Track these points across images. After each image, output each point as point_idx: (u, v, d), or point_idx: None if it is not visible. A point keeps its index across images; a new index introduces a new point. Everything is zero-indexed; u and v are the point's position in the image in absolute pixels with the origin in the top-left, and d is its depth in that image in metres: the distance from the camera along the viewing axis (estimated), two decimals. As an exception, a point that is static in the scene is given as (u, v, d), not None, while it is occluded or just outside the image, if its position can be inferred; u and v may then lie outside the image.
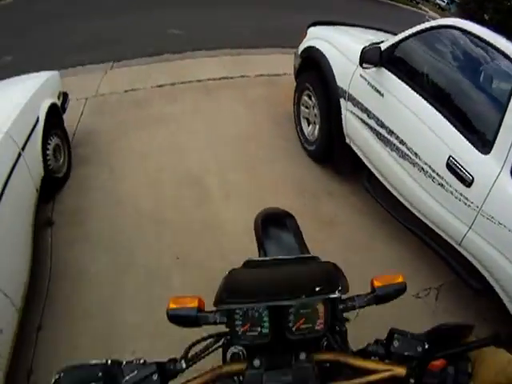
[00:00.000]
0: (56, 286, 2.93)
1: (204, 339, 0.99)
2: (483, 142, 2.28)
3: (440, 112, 2.50)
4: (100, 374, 0.83)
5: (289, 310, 0.89)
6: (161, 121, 4.84)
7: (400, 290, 1.01)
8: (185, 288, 2.84)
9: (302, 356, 0.89)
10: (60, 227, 3.46)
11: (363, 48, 3.05)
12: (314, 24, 4.43)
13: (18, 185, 2.92)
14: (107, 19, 9.38)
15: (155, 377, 0.87)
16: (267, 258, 1.47)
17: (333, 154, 3.88)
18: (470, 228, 2.33)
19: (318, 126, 3.97)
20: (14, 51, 8.15)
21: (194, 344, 0.97)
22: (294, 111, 4.50)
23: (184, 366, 0.91)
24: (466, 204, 2.30)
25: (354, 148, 3.48)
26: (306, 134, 4.26)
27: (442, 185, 2.43)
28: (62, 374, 0.82)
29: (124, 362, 0.89)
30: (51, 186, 3.65)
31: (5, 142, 2.89)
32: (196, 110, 5.10)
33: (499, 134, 2.18)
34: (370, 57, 3.01)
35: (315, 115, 4.01)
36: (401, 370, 0.84)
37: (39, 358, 2.53)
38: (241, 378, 0.91)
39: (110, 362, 0.87)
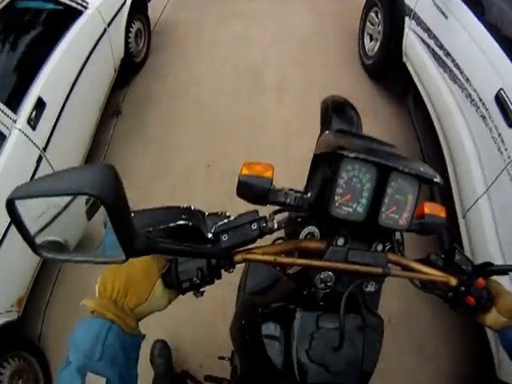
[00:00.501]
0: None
1: (283, 210, 0.88)
2: None
3: (500, 44, 2.22)
4: (184, 215, 0.74)
5: (388, 190, 0.79)
6: (235, 16, 4.75)
7: (442, 224, 0.94)
8: (203, 200, 2.91)
9: (379, 247, 0.87)
10: (125, 117, 3.54)
11: None
12: None
13: (99, 59, 3.01)
14: None
15: (254, 226, 0.79)
16: (357, 132, 1.33)
17: (387, 70, 3.70)
18: (487, 190, 2.06)
19: (379, 43, 3.73)
20: None
21: (276, 211, 0.86)
22: (360, 26, 4.21)
23: (276, 226, 0.82)
24: (499, 150, 1.99)
25: (409, 67, 3.27)
26: (366, 48, 4.04)
27: (484, 117, 2.18)
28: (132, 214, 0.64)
29: (206, 213, 0.79)
30: (129, 69, 3.74)
31: (94, 16, 2.99)
32: (269, 11, 4.92)
33: None
34: None
35: (379, 32, 3.74)
36: (453, 280, 0.87)
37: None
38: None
39: (192, 207, 0.78)
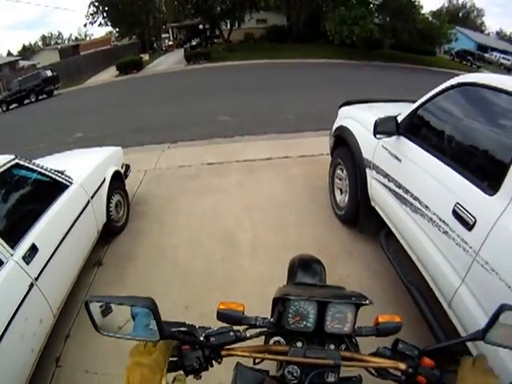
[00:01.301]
0: (78, 325, 3.17)
1: (255, 327, 1.23)
2: (490, 183, 2.15)
3: (448, 164, 2.48)
4: (180, 325, 1.14)
5: (328, 312, 1.15)
6: (207, 191, 5.22)
7: (397, 327, 1.23)
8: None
9: (332, 347, 1.19)
10: (106, 269, 3.81)
11: (376, 120, 3.13)
12: (345, 104, 4.67)
13: (84, 222, 3.58)
14: (168, 106, 11.51)
15: (232, 333, 1.17)
16: (310, 282, 1.76)
17: (358, 216, 3.97)
18: (463, 281, 2.18)
19: (348, 194, 4.08)
20: (84, 130, 9.95)
21: (248, 327, 1.22)
22: (329, 183, 4.65)
23: (248, 335, 1.20)
24: (464, 250, 2.15)
25: (378, 210, 3.51)
26: (337, 201, 4.40)
27: (446, 232, 2.34)
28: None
29: (197, 326, 1.18)
30: (110, 231, 4.26)
31: (78, 190, 3.54)
32: (239, 184, 5.42)
33: (508, 172, 2.02)
34: (384, 128, 3.13)
35: (346, 185, 4.11)
36: (402, 364, 1.12)
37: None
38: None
39: (186, 322, 1.16)
